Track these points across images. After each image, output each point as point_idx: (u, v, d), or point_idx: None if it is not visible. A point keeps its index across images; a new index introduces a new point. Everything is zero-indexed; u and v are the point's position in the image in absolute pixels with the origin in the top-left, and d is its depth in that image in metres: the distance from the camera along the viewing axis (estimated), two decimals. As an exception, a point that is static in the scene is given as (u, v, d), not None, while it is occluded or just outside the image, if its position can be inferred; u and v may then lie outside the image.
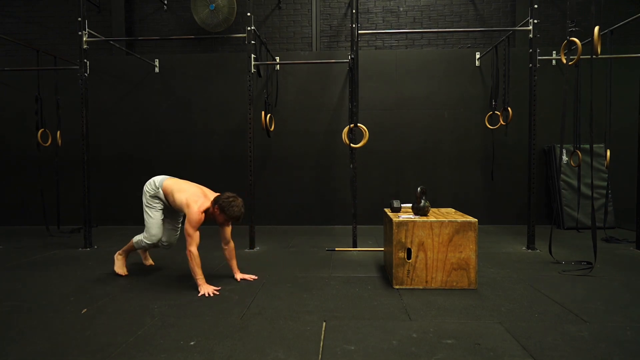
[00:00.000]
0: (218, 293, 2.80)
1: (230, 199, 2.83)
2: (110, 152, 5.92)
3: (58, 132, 5.14)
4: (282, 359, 1.88)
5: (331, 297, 2.75)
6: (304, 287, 2.97)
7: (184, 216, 3.12)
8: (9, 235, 5.19)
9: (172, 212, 3.26)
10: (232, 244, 3.12)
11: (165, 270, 3.46)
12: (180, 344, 2.04)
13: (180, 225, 3.36)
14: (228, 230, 3.07)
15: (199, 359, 1.89)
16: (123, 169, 5.92)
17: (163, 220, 3.21)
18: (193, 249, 2.81)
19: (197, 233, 2.84)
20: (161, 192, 3.11)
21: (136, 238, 3.25)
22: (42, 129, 5.00)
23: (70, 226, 5.60)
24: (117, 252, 3.38)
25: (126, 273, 3.30)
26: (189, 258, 2.82)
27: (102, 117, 5.89)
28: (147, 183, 3.20)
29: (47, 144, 5.04)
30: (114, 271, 3.32)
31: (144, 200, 3.17)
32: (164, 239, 3.28)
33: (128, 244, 3.33)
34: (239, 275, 3.14)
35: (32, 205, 5.85)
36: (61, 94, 5.31)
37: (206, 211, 2.90)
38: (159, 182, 3.15)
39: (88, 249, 4.30)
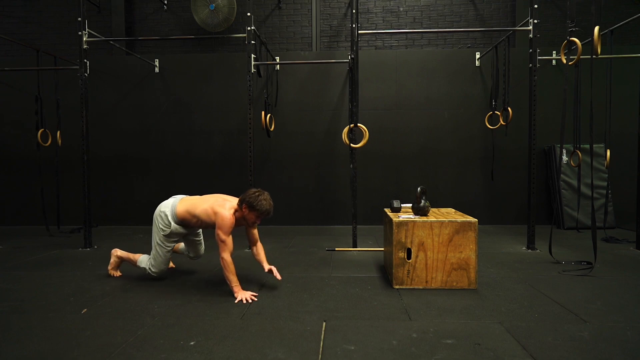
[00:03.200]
0: (256, 299, 2.69)
1: (257, 194, 2.70)
2: (110, 152, 5.92)
3: (58, 132, 5.15)
4: (282, 359, 1.88)
5: (331, 297, 2.75)
6: (304, 287, 2.97)
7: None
8: (9, 235, 5.19)
9: (193, 232, 3.15)
10: (260, 243, 3.02)
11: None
12: (180, 344, 2.04)
13: (201, 237, 3.27)
14: (255, 232, 2.97)
15: (198, 359, 1.89)
16: (123, 169, 5.92)
17: (187, 240, 3.18)
18: (226, 255, 2.68)
19: (230, 238, 2.72)
20: (174, 226, 2.92)
21: (143, 262, 3.11)
22: (42, 129, 5.00)
23: (70, 226, 5.61)
24: (116, 252, 3.26)
25: (120, 274, 3.27)
26: (223, 266, 2.69)
27: (102, 117, 5.90)
28: (158, 216, 2.97)
29: (47, 144, 5.03)
30: (108, 270, 3.27)
31: (156, 237, 2.98)
32: (191, 254, 3.23)
33: (131, 256, 3.20)
34: (266, 266, 2.96)
35: (32, 205, 5.85)
36: (61, 94, 5.32)
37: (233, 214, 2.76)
38: (171, 215, 2.92)
39: (88, 249, 4.30)
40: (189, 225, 2.94)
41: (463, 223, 2.87)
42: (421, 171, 5.74)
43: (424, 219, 2.94)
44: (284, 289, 2.92)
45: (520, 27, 4.51)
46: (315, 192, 5.83)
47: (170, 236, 2.96)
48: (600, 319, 2.32)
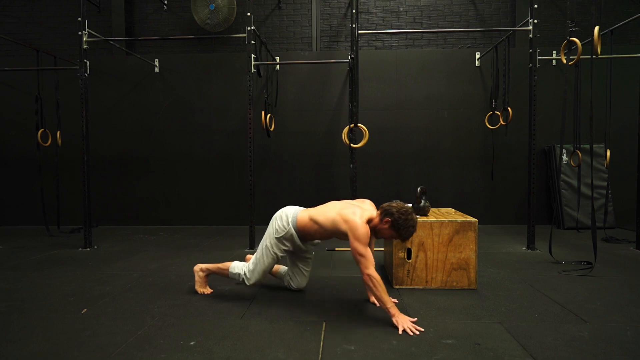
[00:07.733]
0: (422, 329, 2.17)
1: (409, 217, 2.27)
2: (110, 152, 5.92)
3: (58, 132, 5.15)
4: (282, 359, 1.88)
5: (331, 297, 2.74)
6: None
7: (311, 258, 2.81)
8: (9, 235, 5.19)
9: (302, 256, 2.79)
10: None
11: (165, 270, 3.46)
12: (180, 344, 2.04)
13: (310, 267, 2.85)
14: (372, 247, 2.51)
15: (198, 359, 1.88)
16: (123, 169, 5.92)
17: (294, 264, 2.80)
18: (372, 271, 2.23)
19: (369, 251, 2.28)
20: (293, 230, 2.56)
21: (236, 268, 2.70)
22: (42, 129, 5.00)
23: (70, 226, 5.61)
24: (200, 267, 2.84)
25: (211, 291, 2.83)
26: (370, 284, 2.23)
27: (102, 117, 5.90)
28: (278, 216, 2.65)
29: (47, 144, 5.03)
30: (195, 290, 2.83)
31: (268, 240, 2.61)
32: (294, 285, 2.82)
33: (220, 267, 2.78)
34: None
35: (32, 205, 5.85)
36: (61, 94, 5.32)
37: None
38: (292, 218, 2.58)
39: (88, 249, 4.30)
40: (307, 234, 2.57)
41: (463, 223, 2.87)
42: (421, 171, 5.74)
43: (424, 219, 2.94)
44: (284, 289, 2.92)
45: (520, 27, 4.51)
46: (316, 192, 5.82)
47: (283, 242, 2.59)
48: (600, 319, 2.32)
